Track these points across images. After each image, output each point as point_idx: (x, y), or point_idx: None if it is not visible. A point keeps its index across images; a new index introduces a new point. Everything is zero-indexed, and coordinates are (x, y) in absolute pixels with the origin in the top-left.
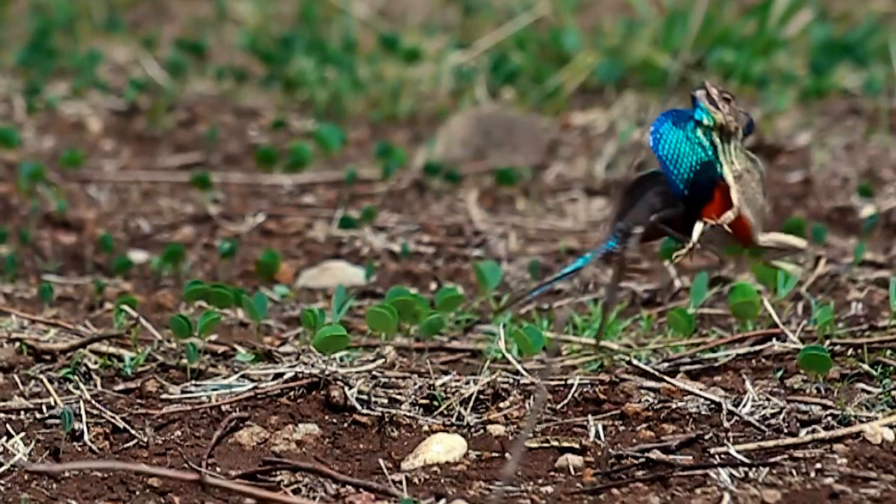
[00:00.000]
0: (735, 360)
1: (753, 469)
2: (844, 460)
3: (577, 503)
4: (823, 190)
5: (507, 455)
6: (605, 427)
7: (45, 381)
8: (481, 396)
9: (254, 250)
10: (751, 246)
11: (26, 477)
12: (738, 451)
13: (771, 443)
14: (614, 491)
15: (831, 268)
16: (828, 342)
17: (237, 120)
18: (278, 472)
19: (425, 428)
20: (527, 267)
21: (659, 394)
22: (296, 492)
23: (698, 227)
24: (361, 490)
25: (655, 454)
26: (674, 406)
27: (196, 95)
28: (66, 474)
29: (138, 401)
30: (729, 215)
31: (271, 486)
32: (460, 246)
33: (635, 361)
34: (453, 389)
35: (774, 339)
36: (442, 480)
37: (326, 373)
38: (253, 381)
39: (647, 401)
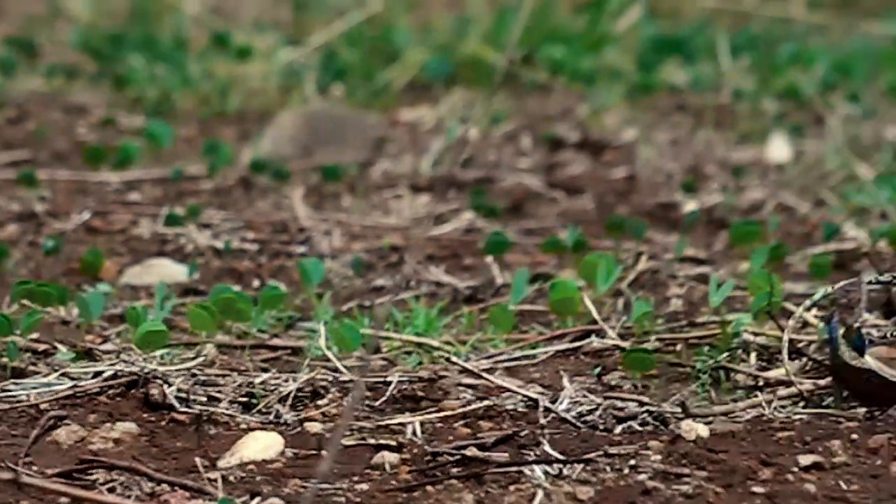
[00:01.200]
0: (554, 357)
1: (568, 466)
2: (658, 457)
3: (391, 501)
4: (648, 186)
5: (323, 452)
6: (422, 424)
7: None
8: (300, 394)
9: (79, 248)
10: None
11: None
12: (553, 448)
13: (586, 440)
14: (429, 488)
15: (652, 264)
16: (651, 339)
17: (66, 117)
18: (94, 471)
19: (243, 426)
20: (350, 264)
21: (477, 391)
22: (111, 490)
23: None
24: (177, 488)
25: (471, 451)
26: (491, 403)
27: (26, 93)
28: None
29: None
30: None
31: (87, 484)
32: (284, 243)
33: (454, 358)
34: (272, 387)
35: (593, 336)
36: (258, 478)
37: (146, 371)
38: (72, 379)
39: (465, 398)
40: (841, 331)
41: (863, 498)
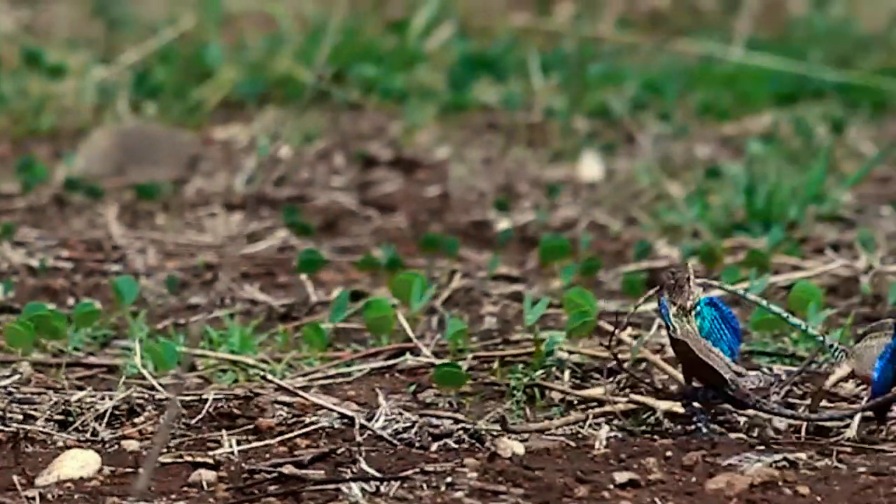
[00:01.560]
0: (369, 375)
1: (384, 483)
2: (475, 474)
3: None
4: (460, 204)
5: (140, 470)
6: (238, 442)
7: None
8: (116, 412)
9: None
10: None
11: None
12: (369, 466)
13: (402, 457)
14: None
15: (466, 282)
16: (467, 357)
17: None
18: None
19: (60, 444)
20: (164, 281)
21: (293, 409)
22: None
23: None
24: None
25: (288, 469)
26: (307, 421)
27: None
28: None
29: None
30: None
31: None
32: (99, 261)
33: (270, 376)
34: (89, 405)
35: (408, 354)
36: (75, 496)
37: None
38: None
39: (281, 415)
40: (672, 309)
41: None
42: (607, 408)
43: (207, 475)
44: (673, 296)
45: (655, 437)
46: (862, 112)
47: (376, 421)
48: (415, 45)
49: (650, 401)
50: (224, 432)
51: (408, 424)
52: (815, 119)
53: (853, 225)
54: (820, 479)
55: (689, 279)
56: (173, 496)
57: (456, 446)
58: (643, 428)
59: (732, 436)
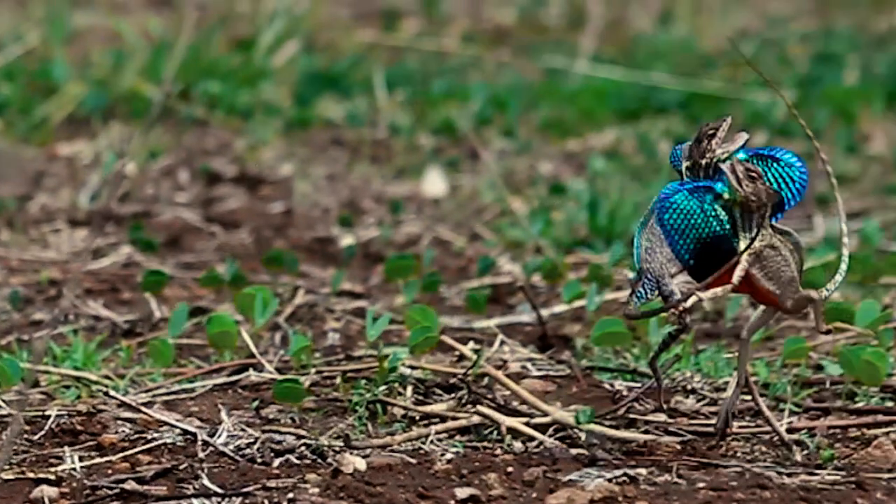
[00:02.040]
0: (212, 391)
1: (226, 499)
2: (317, 490)
3: None
4: (304, 220)
5: None
6: (81, 458)
7: None
8: None
9: None
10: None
11: None
12: (211, 482)
13: (245, 473)
14: None
15: (310, 298)
16: (310, 373)
17: None
18: None
19: None
20: (7, 298)
21: (136, 424)
22: None
23: (692, 298)
24: None
25: (130, 485)
26: (149, 437)
27: None
28: None
29: None
30: (717, 291)
31: None
32: None
33: (113, 392)
34: None
35: (251, 370)
36: None
37: None
38: None
39: (123, 431)
40: (686, 164)
41: None
42: (449, 424)
43: (49, 491)
44: (693, 151)
45: (497, 452)
46: None
47: (219, 437)
48: (261, 61)
49: (495, 415)
50: (66, 448)
51: (250, 440)
52: (658, 135)
53: None
54: (660, 495)
55: (713, 135)
56: None
57: (298, 462)
58: (485, 444)
59: (573, 451)
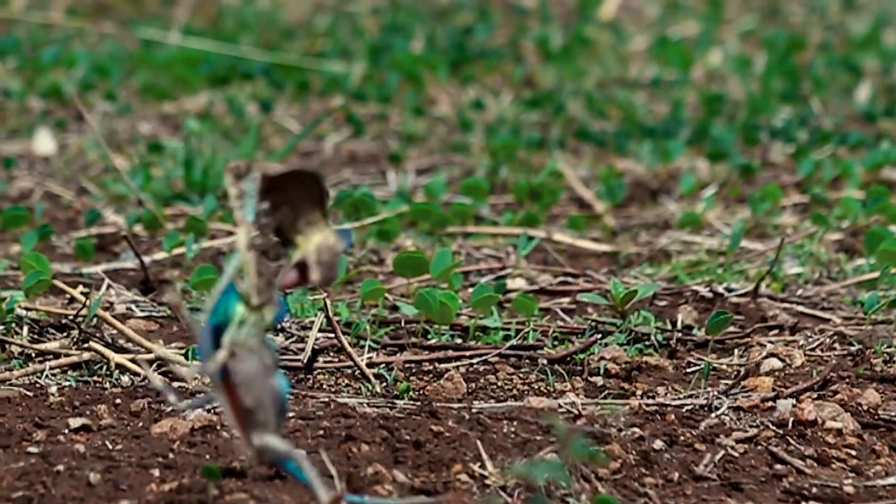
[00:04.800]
0: None
1: None
2: None
3: None
4: None
5: None
6: None
7: None
8: None
9: None
10: None
11: None
12: None
13: None
14: None
15: None
16: None
17: None
18: None
19: None
20: None
21: None
22: None
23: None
24: None
25: None
26: None
27: None
28: None
29: None
30: None
31: None
32: None
33: None
34: None
35: None
36: None
37: None
38: None
39: None
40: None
41: (127, 456)
42: (63, 360)
43: None
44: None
45: (107, 386)
46: (287, 93)
47: None
48: None
49: (105, 351)
50: None
51: None
52: (246, 99)
53: None
54: None
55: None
56: None
57: None
58: (96, 378)
59: (175, 385)
